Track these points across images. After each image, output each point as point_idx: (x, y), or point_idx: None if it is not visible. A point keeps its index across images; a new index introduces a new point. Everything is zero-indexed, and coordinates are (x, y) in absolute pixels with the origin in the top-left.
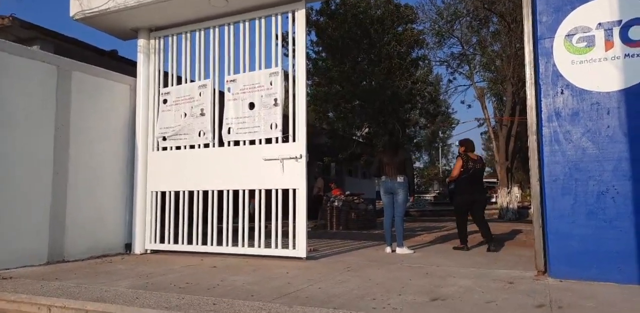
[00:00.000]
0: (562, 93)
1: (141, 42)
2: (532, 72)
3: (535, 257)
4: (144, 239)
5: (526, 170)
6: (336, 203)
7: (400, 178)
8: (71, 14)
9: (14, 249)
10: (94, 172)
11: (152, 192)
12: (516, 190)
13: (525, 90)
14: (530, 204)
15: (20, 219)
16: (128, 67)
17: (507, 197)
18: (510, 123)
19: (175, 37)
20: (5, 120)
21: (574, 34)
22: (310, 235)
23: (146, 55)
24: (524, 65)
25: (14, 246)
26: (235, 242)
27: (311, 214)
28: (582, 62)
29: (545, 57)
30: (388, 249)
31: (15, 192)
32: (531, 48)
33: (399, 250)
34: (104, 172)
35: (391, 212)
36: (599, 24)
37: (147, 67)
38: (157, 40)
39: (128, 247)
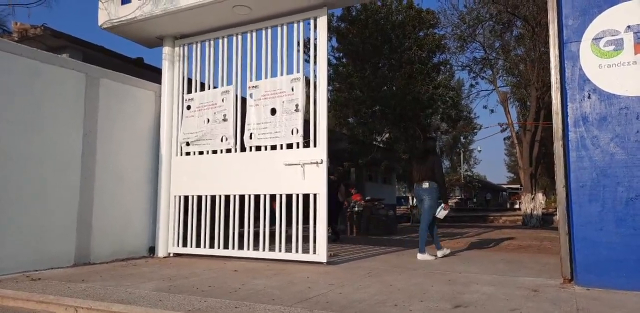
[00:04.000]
0: (589, 97)
1: (166, 49)
2: (558, 77)
3: (561, 264)
4: (167, 243)
5: (550, 176)
6: (356, 209)
7: (425, 184)
8: (99, 23)
9: (42, 251)
10: (119, 177)
11: (175, 196)
12: (540, 197)
13: (550, 95)
14: (555, 211)
15: (49, 222)
16: (153, 74)
17: (531, 203)
18: (534, 128)
19: (199, 45)
20: (36, 126)
21: (602, 37)
22: (330, 240)
23: (171, 63)
24: (548, 70)
25: (43, 248)
26: (256, 247)
27: (331, 219)
28: (610, 66)
29: (572, 61)
30: (439, 253)
31: (44, 195)
32: (557, 52)
33: (419, 256)
34: (129, 176)
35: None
36: (628, 26)
37: (171, 74)
38: (181, 48)
39: (152, 250)
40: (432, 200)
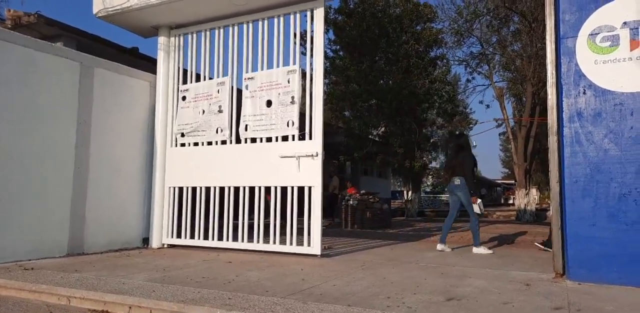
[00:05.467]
0: (584, 93)
1: (161, 39)
2: (554, 72)
3: (554, 259)
4: (162, 234)
5: (545, 171)
6: (351, 202)
7: (456, 181)
8: (94, 11)
9: (36, 241)
10: (113, 168)
11: (169, 187)
12: (534, 192)
13: (545, 91)
14: (548, 206)
15: (43, 212)
16: (148, 64)
17: (525, 198)
18: (529, 124)
19: (195, 35)
20: (30, 116)
21: (598, 33)
22: (325, 233)
23: (166, 53)
24: (544, 65)
25: (36, 238)
26: (250, 238)
27: (326, 212)
28: (605, 62)
29: (568, 56)
30: (439, 247)
31: (38, 186)
32: (553, 47)
33: (474, 250)
34: (124, 167)
35: (452, 213)
36: (624, 23)
37: (167, 65)
38: (177, 38)
39: (146, 241)
40: (465, 195)
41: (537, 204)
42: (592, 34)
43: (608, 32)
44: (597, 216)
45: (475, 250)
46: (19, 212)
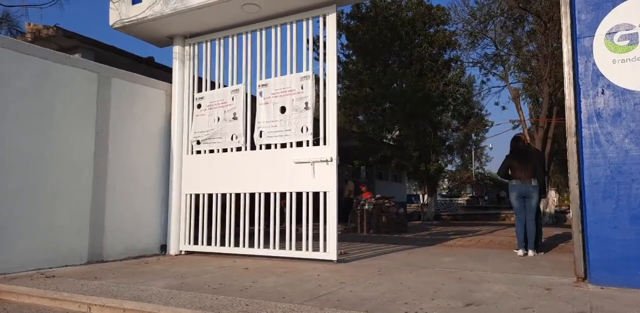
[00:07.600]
0: (602, 93)
1: (176, 48)
2: (571, 72)
3: (575, 262)
4: (179, 241)
5: (563, 173)
6: (367, 207)
7: (534, 182)
8: (110, 23)
9: (56, 249)
10: (131, 175)
11: (186, 194)
12: (553, 194)
13: (562, 91)
14: (568, 208)
15: (63, 220)
16: (164, 73)
17: (543, 200)
18: (546, 125)
19: (209, 44)
20: (50, 126)
21: (615, 32)
22: (340, 238)
23: (181, 62)
24: (561, 65)
25: (57, 246)
26: (266, 244)
27: (342, 217)
28: (624, 61)
29: (585, 56)
30: (520, 252)
31: (58, 194)
32: (570, 47)
33: (530, 253)
34: (141, 175)
35: (524, 216)
36: None
37: (182, 73)
38: (191, 47)
39: (163, 248)
40: (538, 196)
41: (556, 206)
42: (609, 33)
43: (626, 30)
44: (619, 218)
45: (531, 252)
46: (39, 221)
